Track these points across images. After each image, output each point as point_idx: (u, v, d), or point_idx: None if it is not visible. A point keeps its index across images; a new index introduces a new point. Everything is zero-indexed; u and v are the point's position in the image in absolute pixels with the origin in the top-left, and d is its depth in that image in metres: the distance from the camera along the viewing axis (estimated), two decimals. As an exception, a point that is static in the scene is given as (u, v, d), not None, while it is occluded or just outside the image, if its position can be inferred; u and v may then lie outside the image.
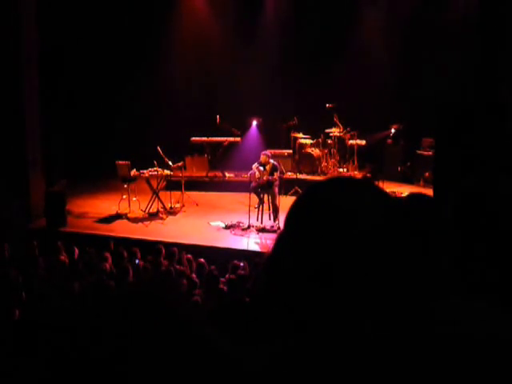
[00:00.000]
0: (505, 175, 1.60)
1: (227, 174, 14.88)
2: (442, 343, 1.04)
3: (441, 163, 7.52)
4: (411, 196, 1.18)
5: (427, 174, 13.65)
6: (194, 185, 13.97)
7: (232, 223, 11.63)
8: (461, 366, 1.02)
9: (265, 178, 11.58)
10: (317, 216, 1.16)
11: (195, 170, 14.80)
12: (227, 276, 8.02)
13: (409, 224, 1.17)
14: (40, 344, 4.74)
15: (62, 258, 8.91)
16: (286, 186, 13.10)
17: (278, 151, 14.48)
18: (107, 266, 8.41)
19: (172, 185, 13.01)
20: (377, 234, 1.13)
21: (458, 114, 7.02)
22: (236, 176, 14.74)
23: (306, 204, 1.21)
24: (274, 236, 10.59)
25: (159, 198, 12.58)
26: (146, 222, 12.05)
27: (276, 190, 11.67)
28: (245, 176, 13.10)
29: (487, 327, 1.06)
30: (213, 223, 11.77)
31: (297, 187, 13.09)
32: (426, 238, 1.38)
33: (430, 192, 8.80)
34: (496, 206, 1.49)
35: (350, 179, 1.26)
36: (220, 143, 14.99)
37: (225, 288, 7.48)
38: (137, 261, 8.92)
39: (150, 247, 9.50)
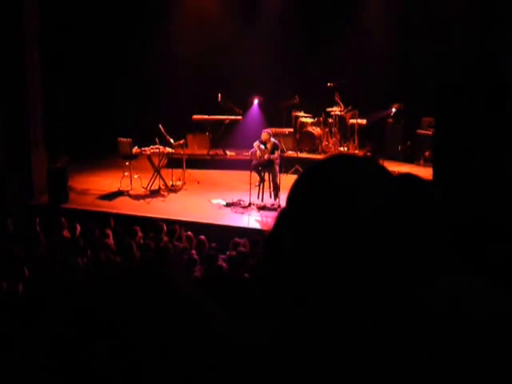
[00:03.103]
0: (505, 154, 1.63)
1: (228, 152, 14.84)
2: (441, 324, 1.05)
3: (440, 142, 7.51)
4: (401, 176, 1.18)
5: (427, 153, 13.63)
6: (196, 162, 13.94)
7: (233, 201, 11.63)
8: (460, 347, 1.03)
9: (266, 156, 11.59)
10: (319, 194, 1.17)
11: (196, 147, 14.78)
12: (228, 253, 8.06)
13: (407, 202, 1.19)
14: (43, 318, 4.80)
15: (65, 233, 8.97)
16: (287, 165, 13.09)
17: (278, 130, 14.43)
18: (109, 242, 8.46)
19: (173, 162, 13.00)
20: (378, 212, 1.14)
21: (457, 93, 7.00)
22: (237, 154, 14.70)
23: (308, 181, 1.21)
24: (274, 214, 10.60)
25: (160, 176, 12.59)
26: (148, 200, 12.07)
27: (277, 168, 11.67)
28: (246, 154, 13.07)
29: (487, 307, 1.07)
30: (214, 201, 11.78)
31: (297, 166, 13.08)
32: (424, 217, 1.41)
33: (429, 171, 8.81)
34: (496, 184, 1.50)
35: (353, 157, 1.25)
36: (221, 121, 14.93)
37: (224, 265, 7.52)
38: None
39: (152, 224, 9.55)
